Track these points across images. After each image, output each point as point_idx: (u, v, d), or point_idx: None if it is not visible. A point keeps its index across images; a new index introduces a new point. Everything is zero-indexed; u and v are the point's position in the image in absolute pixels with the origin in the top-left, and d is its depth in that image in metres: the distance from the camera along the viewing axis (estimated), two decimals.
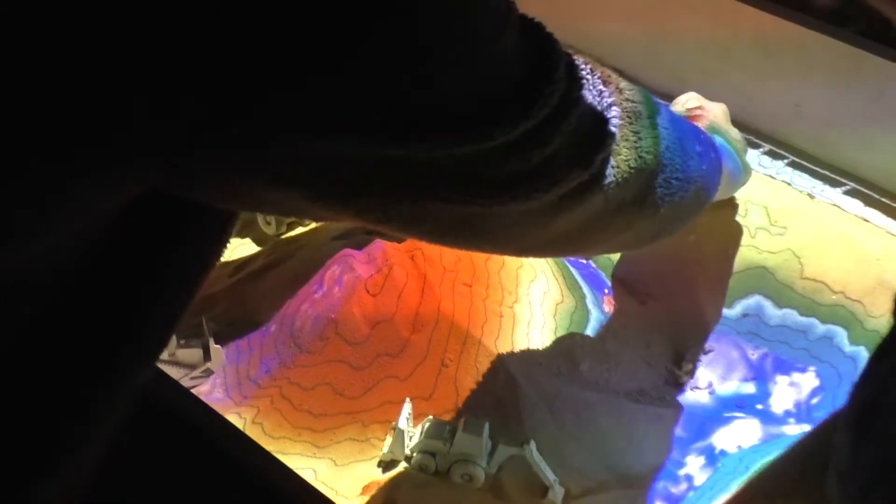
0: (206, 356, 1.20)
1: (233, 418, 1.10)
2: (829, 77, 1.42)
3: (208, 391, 1.18)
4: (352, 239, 1.29)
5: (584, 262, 1.37)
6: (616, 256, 1.36)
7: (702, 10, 1.51)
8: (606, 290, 1.31)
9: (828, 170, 1.43)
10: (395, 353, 1.18)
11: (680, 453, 1.17)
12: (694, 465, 1.16)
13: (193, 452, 1.04)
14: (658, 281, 1.33)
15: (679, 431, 1.19)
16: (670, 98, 1.54)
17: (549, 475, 1.09)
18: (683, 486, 1.13)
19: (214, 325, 1.22)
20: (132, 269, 0.67)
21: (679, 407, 1.21)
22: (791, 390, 1.22)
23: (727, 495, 1.11)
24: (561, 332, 1.23)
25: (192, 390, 1.15)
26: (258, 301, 1.25)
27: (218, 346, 1.20)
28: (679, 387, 1.24)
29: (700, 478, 1.14)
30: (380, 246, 1.26)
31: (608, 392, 1.21)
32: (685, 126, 1.05)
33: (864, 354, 1.22)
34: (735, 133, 1.28)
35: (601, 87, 0.89)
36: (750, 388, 1.23)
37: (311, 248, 1.30)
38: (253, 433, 1.10)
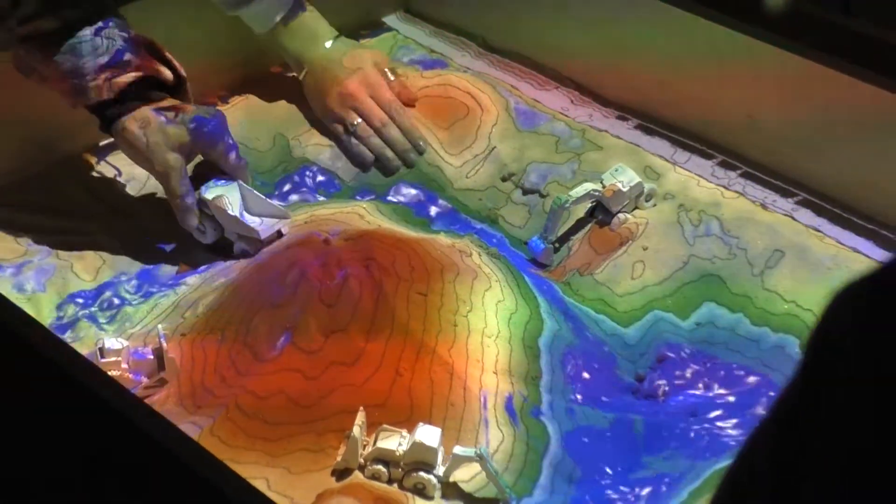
0: (161, 366, 1.20)
1: (187, 428, 1.10)
2: (781, 89, 1.44)
3: (162, 401, 1.17)
4: (308, 248, 1.29)
5: (543, 275, 1.38)
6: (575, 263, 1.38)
7: (657, 23, 1.52)
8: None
9: (780, 180, 1.45)
10: (350, 363, 1.18)
11: (633, 461, 1.17)
12: (645, 474, 1.16)
13: (147, 462, 1.04)
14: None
15: (633, 439, 1.19)
16: (628, 110, 1.56)
17: (503, 483, 1.10)
18: (631, 496, 1.14)
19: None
20: None
21: (633, 414, 1.21)
22: (743, 399, 1.23)
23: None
24: (515, 342, 1.24)
25: (146, 400, 1.15)
26: (228, 318, 1.26)
27: (172, 356, 1.20)
28: (633, 395, 1.25)
29: (648, 489, 1.15)
30: (335, 255, 1.26)
31: (564, 400, 1.21)
32: None
33: None
34: None
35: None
36: (703, 397, 1.24)
37: (269, 256, 1.30)
38: (207, 442, 1.10)
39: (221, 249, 1.37)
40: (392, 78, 1.54)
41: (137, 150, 1.33)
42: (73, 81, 1.30)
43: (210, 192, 1.35)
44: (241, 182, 1.37)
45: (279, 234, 1.36)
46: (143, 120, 1.32)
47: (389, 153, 1.51)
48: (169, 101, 1.33)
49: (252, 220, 1.34)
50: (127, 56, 1.31)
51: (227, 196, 1.35)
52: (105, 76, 1.30)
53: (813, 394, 0.50)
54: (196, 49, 1.50)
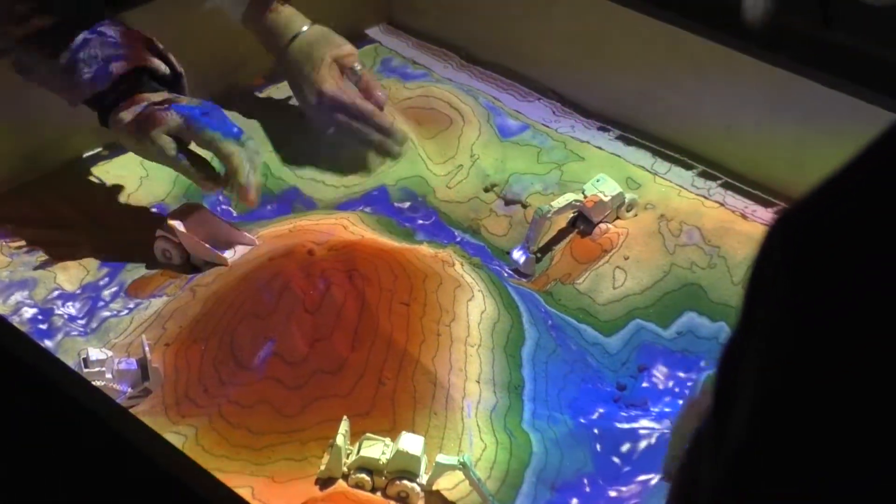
0: (145, 376, 1.20)
1: (171, 437, 1.10)
2: (760, 99, 1.45)
3: (146, 410, 1.18)
4: (291, 258, 1.29)
5: (526, 287, 1.39)
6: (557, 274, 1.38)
7: (638, 35, 1.53)
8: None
9: (759, 190, 1.46)
10: (334, 371, 1.18)
11: (615, 469, 1.18)
12: (627, 482, 1.17)
13: (132, 471, 1.04)
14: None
15: (615, 447, 1.20)
16: (609, 121, 1.57)
17: (486, 491, 1.10)
18: None
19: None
20: None
21: (615, 423, 1.22)
22: None
23: None
24: (498, 351, 1.24)
25: (131, 409, 1.15)
26: (204, 324, 1.26)
27: (156, 366, 1.20)
28: (615, 403, 1.26)
29: (630, 497, 1.15)
30: (319, 265, 1.27)
31: (546, 409, 1.22)
32: None
33: None
34: None
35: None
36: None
37: (253, 266, 1.31)
38: (191, 451, 1.10)
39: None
40: (359, 69, 1.54)
41: (131, 137, 1.34)
42: (70, 77, 1.32)
43: (176, 219, 1.35)
44: (207, 208, 1.38)
45: None
46: (136, 108, 1.32)
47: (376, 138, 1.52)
48: (163, 94, 1.34)
49: (218, 248, 1.35)
50: (121, 50, 1.33)
51: (194, 223, 1.35)
52: (99, 68, 1.32)
53: (745, 326, 0.51)
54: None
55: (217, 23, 1.54)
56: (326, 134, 1.52)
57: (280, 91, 1.61)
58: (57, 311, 1.31)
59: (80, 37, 1.32)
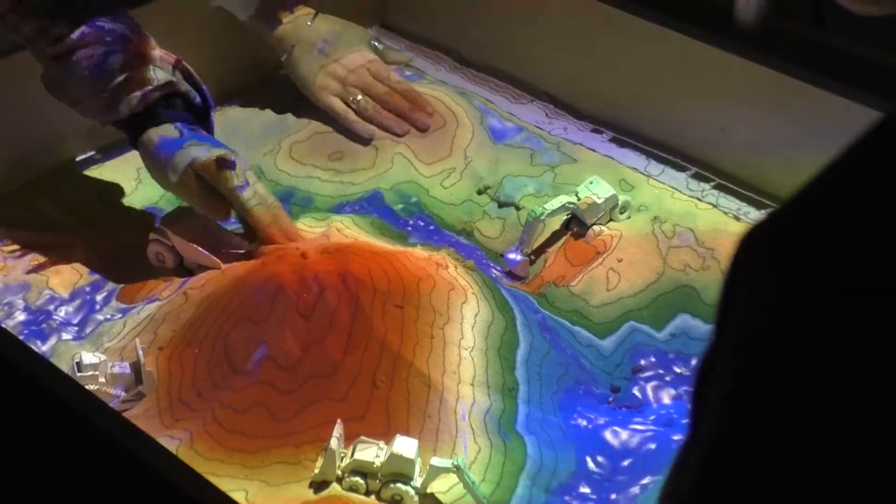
0: (138, 380, 1.20)
1: (165, 441, 1.10)
2: (754, 101, 1.45)
3: (140, 414, 1.18)
4: (285, 261, 1.29)
5: (519, 288, 1.39)
6: (549, 276, 1.38)
7: (630, 36, 1.53)
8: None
9: (753, 192, 1.46)
10: (327, 375, 1.18)
11: (609, 471, 1.18)
12: (621, 484, 1.17)
13: (125, 475, 1.04)
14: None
15: (609, 449, 1.20)
16: (602, 123, 1.57)
17: (480, 494, 1.10)
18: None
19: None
20: None
21: (609, 425, 1.22)
22: None
23: None
24: (492, 353, 1.24)
25: (124, 413, 1.15)
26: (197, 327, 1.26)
27: (150, 369, 1.20)
28: (609, 405, 1.26)
29: (624, 499, 1.15)
30: (312, 268, 1.27)
31: (540, 411, 1.22)
32: None
33: None
34: None
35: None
36: (679, 406, 1.25)
37: (246, 269, 1.31)
38: (185, 455, 1.10)
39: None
40: (380, 47, 1.58)
41: (155, 161, 1.34)
42: (105, 97, 1.32)
43: (169, 222, 1.35)
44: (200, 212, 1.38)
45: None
46: (166, 134, 1.33)
47: (393, 122, 1.54)
48: (192, 127, 1.35)
49: (211, 251, 1.35)
50: (157, 73, 1.33)
51: (187, 226, 1.35)
52: (135, 91, 1.32)
53: (716, 341, 0.52)
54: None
55: (214, 22, 1.54)
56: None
57: (274, 91, 1.61)
58: (50, 315, 1.31)
59: (115, 55, 1.32)
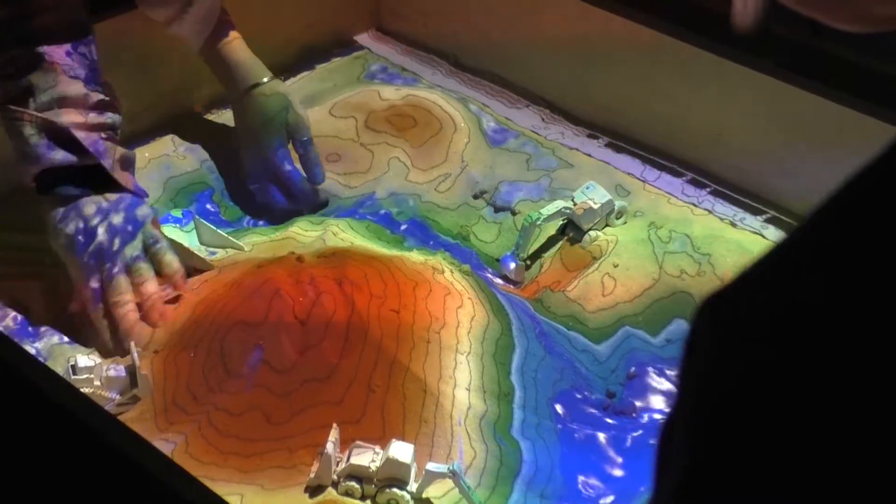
0: (133, 383, 1.20)
1: (160, 444, 1.10)
2: (750, 107, 1.45)
3: (135, 417, 1.17)
4: (281, 265, 1.29)
5: (514, 293, 1.39)
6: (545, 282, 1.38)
7: (626, 42, 1.53)
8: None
9: (749, 198, 1.46)
10: (323, 379, 1.18)
11: (604, 478, 1.18)
12: (616, 490, 1.17)
13: (120, 479, 1.04)
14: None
15: (604, 455, 1.20)
16: (599, 128, 1.57)
17: (475, 499, 1.10)
18: None
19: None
20: None
21: (604, 431, 1.22)
22: None
23: None
24: (488, 358, 1.24)
25: (119, 417, 1.15)
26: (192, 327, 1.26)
27: (145, 373, 1.19)
28: (605, 411, 1.25)
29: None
30: (308, 272, 1.27)
31: (536, 416, 1.22)
32: None
33: None
34: None
35: None
36: None
37: (237, 274, 1.30)
38: (180, 459, 1.10)
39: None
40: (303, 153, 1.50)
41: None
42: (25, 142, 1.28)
43: (166, 226, 1.35)
44: (196, 215, 1.38)
45: None
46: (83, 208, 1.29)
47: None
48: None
49: (207, 254, 1.35)
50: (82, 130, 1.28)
51: (183, 230, 1.35)
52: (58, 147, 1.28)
53: (677, 400, 0.53)
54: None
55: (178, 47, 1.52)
56: (252, 187, 1.50)
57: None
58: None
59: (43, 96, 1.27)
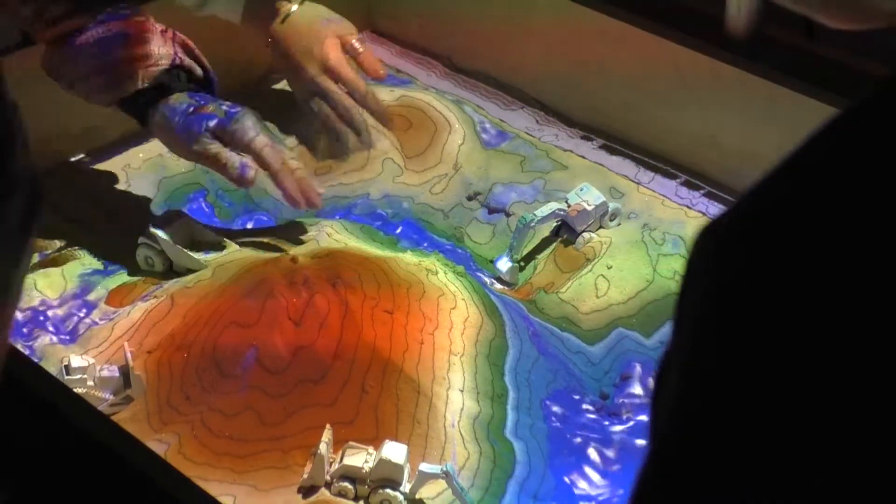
0: (127, 383, 1.20)
1: (153, 445, 1.10)
2: (744, 109, 1.45)
3: (129, 418, 1.17)
4: (275, 266, 1.29)
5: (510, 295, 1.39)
6: (542, 283, 1.38)
7: (620, 44, 1.54)
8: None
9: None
10: (317, 380, 1.18)
11: (598, 479, 1.18)
12: (609, 491, 1.17)
13: (113, 479, 1.04)
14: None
15: (600, 458, 1.20)
16: (593, 130, 1.57)
17: (469, 500, 1.10)
18: None
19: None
20: None
21: (598, 432, 1.22)
22: None
23: None
24: (481, 360, 1.24)
25: (113, 417, 1.15)
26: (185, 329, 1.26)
27: (139, 373, 1.19)
28: (598, 413, 1.26)
29: None
30: (302, 273, 1.27)
31: (529, 418, 1.22)
32: None
33: None
34: None
35: None
36: None
37: (231, 274, 1.30)
38: (174, 459, 1.10)
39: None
40: (360, 49, 1.54)
41: (171, 132, 1.34)
42: (108, 75, 1.32)
43: (158, 226, 1.35)
44: (189, 216, 1.38)
45: None
46: (179, 106, 1.33)
47: (349, 138, 1.52)
48: (201, 95, 1.36)
49: (200, 254, 1.35)
50: (160, 48, 1.34)
51: (176, 230, 1.35)
52: (140, 66, 1.33)
53: (671, 339, 0.53)
54: None
55: (201, 30, 1.53)
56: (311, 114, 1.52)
57: (265, 97, 1.61)
58: (38, 318, 1.31)
59: (112, 31, 1.32)
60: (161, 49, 1.34)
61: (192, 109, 1.33)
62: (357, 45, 1.52)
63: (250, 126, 1.33)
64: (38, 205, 0.61)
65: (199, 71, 1.37)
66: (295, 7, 1.53)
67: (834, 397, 0.46)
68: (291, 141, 1.54)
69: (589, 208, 1.40)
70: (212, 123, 1.33)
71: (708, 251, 0.52)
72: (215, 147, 1.33)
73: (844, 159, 0.49)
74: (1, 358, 0.62)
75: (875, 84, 0.50)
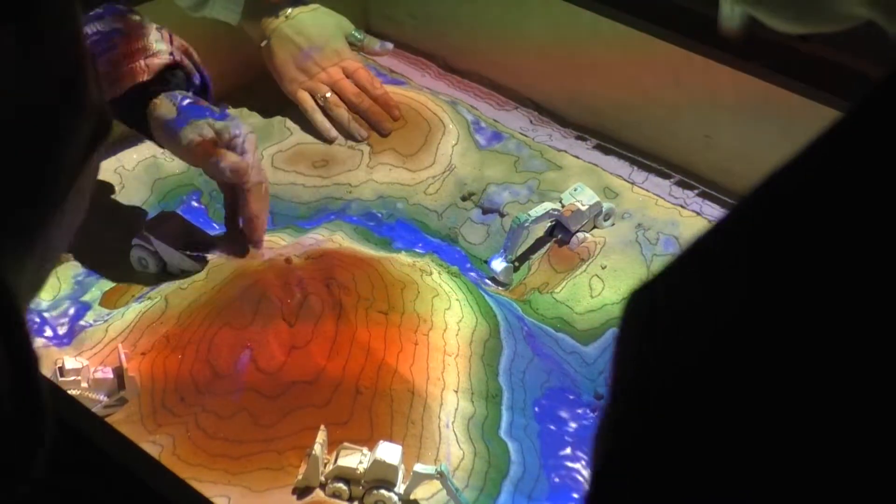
0: (121, 385, 1.20)
1: (148, 446, 1.10)
2: (737, 109, 1.46)
3: (123, 420, 1.17)
4: (269, 267, 1.29)
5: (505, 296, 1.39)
6: (541, 284, 1.38)
7: (615, 45, 1.54)
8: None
9: (736, 200, 1.46)
10: (311, 381, 1.18)
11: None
12: None
13: (107, 481, 1.04)
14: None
15: (593, 457, 1.20)
16: (587, 130, 1.57)
17: (463, 501, 1.10)
18: None
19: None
20: None
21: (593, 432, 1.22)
22: None
23: None
24: (476, 360, 1.24)
25: (107, 419, 1.15)
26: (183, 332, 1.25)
27: (133, 374, 1.19)
28: (593, 413, 1.26)
29: None
30: (297, 274, 1.27)
31: (524, 418, 1.22)
32: None
33: None
34: None
35: None
36: None
37: (230, 275, 1.30)
38: (168, 461, 1.10)
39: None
40: (361, 38, 1.57)
41: (169, 130, 1.33)
42: (106, 70, 1.32)
43: (152, 227, 1.35)
44: (183, 217, 1.38)
45: None
46: (176, 98, 1.33)
47: (355, 126, 1.54)
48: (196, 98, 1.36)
49: (194, 256, 1.35)
50: (157, 43, 1.34)
51: (170, 232, 1.35)
52: (139, 58, 1.33)
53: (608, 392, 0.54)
54: None
55: (197, 30, 1.54)
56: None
57: (258, 99, 1.61)
58: (32, 320, 1.31)
59: (110, 27, 1.33)
60: (159, 43, 1.34)
61: (190, 102, 1.34)
62: (356, 35, 1.59)
63: (242, 136, 1.34)
64: (105, 129, 0.64)
65: (196, 75, 1.37)
66: (290, 9, 1.54)
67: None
68: (292, 140, 1.54)
69: (583, 208, 1.40)
70: (211, 116, 1.33)
71: (635, 315, 0.52)
72: (210, 133, 1.33)
73: (775, 232, 0.49)
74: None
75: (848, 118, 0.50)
